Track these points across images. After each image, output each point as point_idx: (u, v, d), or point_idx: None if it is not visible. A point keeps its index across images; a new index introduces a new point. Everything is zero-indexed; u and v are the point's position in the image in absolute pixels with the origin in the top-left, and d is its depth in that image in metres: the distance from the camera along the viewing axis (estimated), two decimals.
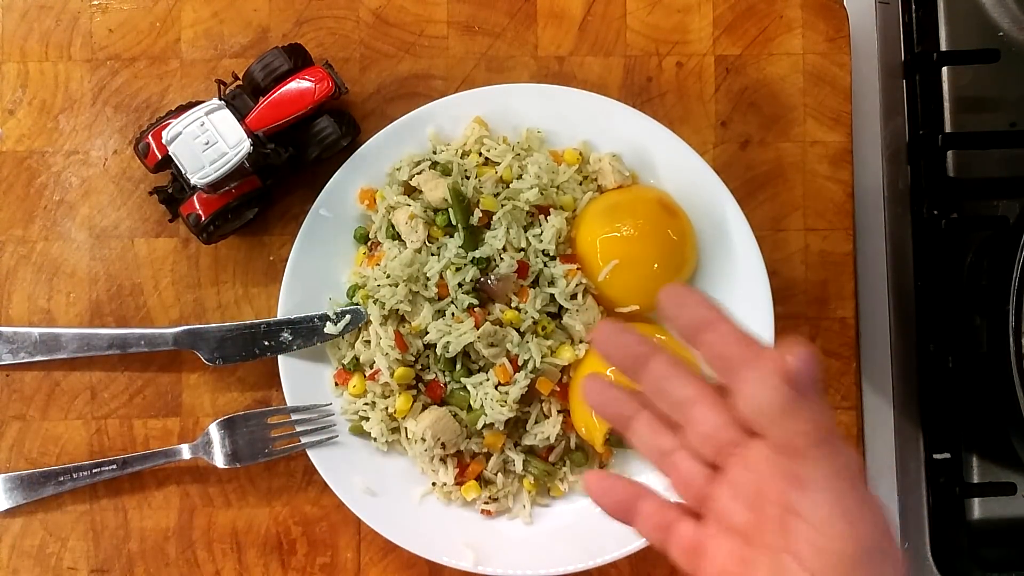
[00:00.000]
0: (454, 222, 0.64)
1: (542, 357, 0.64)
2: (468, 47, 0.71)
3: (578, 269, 0.64)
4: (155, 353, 0.68)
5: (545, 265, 0.65)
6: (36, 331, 0.68)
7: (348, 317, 0.65)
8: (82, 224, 0.70)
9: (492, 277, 0.63)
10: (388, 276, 0.64)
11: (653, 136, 0.66)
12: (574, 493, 0.67)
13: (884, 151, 0.74)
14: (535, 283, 0.65)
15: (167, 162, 0.64)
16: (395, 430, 0.66)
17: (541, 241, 0.64)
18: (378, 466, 0.66)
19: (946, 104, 0.74)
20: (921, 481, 0.72)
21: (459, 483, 0.66)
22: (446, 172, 0.66)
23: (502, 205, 0.64)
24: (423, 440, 0.64)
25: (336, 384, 0.67)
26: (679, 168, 0.67)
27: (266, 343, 0.66)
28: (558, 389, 0.65)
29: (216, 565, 0.69)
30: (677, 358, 0.44)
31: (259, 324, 0.67)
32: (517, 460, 0.65)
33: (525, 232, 0.65)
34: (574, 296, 0.64)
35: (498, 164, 0.66)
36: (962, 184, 0.74)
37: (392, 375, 0.64)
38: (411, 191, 0.67)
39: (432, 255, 0.65)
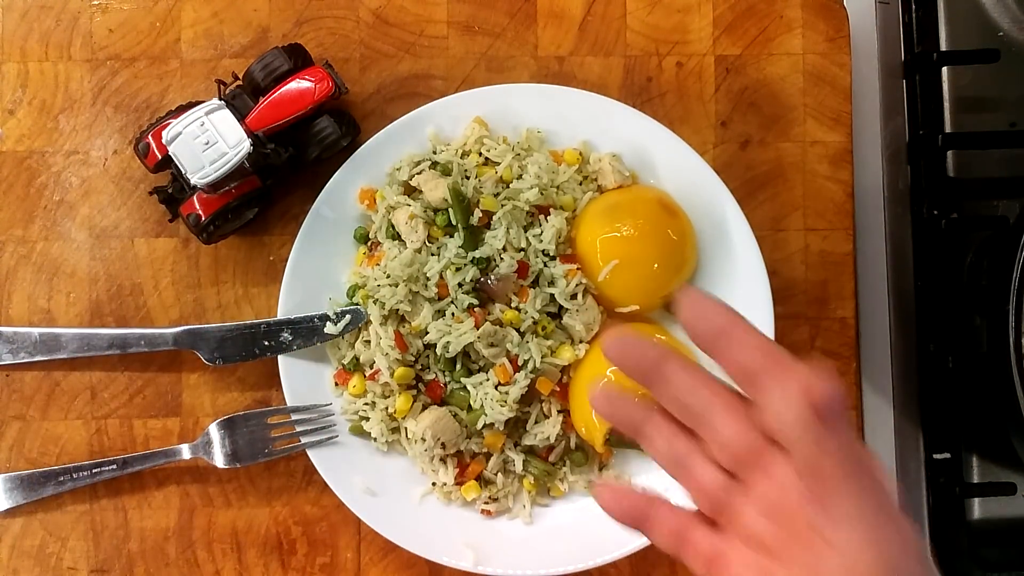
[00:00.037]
0: (454, 222, 0.64)
1: (542, 357, 0.64)
2: (468, 47, 0.71)
3: (578, 269, 0.64)
4: (155, 353, 0.68)
5: (545, 265, 0.65)
6: (36, 331, 0.68)
7: (348, 317, 0.65)
8: (82, 224, 0.70)
9: (492, 277, 0.63)
10: (388, 276, 0.64)
11: (653, 136, 0.66)
12: (574, 493, 0.67)
13: (884, 151, 0.74)
14: (535, 283, 0.65)
15: (167, 162, 0.64)
16: (395, 430, 0.66)
17: (541, 241, 0.64)
18: (378, 466, 0.66)
19: (946, 104, 0.74)
20: (921, 481, 0.72)
21: (459, 483, 0.66)
22: (446, 172, 0.66)
23: (502, 205, 0.64)
24: (423, 440, 0.64)
25: (336, 384, 0.67)
26: (679, 168, 0.67)
27: (266, 343, 0.66)
28: (558, 389, 0.65)
29: (216, 565, 0.69)
30: (692, 363, 0.43)
31: (259, 324, 0.67)
32: (517, 460, 0.65)
33: (525, 232, 0.65)
34: (574, 296, 0.64)
35: (498, 164, 0.66)
36: (962, 184, 0.74)
37: (392, 375, 0.64)
38: (411, 191, 0.67)
39: (432, 255, 0.65)
